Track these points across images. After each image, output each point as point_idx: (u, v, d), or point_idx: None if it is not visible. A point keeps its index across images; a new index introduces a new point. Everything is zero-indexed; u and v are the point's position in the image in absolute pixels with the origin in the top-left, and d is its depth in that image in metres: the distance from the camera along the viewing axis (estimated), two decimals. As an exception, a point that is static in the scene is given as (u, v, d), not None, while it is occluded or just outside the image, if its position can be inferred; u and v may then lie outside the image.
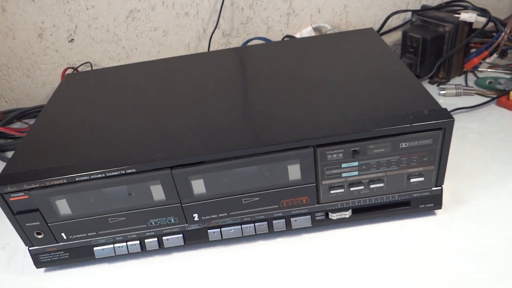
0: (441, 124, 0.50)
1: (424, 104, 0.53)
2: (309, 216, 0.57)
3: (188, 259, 0.58)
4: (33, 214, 0.53)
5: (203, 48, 1.00)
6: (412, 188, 0.56)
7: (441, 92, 0.84)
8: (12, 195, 0.52)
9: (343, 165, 0.53)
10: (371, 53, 0.69)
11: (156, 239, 0.57)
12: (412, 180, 0.54)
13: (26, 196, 0.52)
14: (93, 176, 0.51)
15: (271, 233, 0.58)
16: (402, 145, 0.51)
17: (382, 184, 0.55)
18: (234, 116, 0.59)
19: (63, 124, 0.63)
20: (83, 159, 0.54)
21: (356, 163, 0.53)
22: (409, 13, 0.95)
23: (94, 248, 0.58)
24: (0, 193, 0.52)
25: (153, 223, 0.56)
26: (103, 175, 0.51)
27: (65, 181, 0.51)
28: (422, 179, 0.54)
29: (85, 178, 0.51)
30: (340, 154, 0.52)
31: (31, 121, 0.98)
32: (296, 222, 0.57)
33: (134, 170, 0.51)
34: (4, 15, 0.92)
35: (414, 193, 0.56)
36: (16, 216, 0.53)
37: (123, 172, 0.51)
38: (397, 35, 0.99)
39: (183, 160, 0.51)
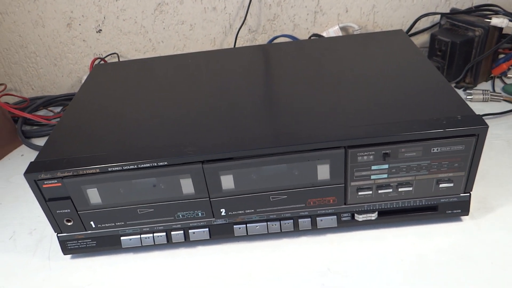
0: (474, 131, 0.50)
1: (457, 109, 0.53)
2: (335, 217, 0.57)
3: (212, 253, 0.59)
4: (64, 202, 0.54)
5: (228, 44, 1.00)
6: (441, 193, 0.55)
7: (468, 97, 0.83)
8: (45, 182, 0.53)
9: (373, 167, 0.53)
10: (401, 55, 0.69)
11: (182, 231, 0.58)
12: (441, 185, 0.54)
13: (59, 184, 0.53)
14: (125, 167, 0.52)
15: (296, 231, 0.59)
16: (433, 150, 0.51)
17: (410, 188, 0.55)
18: (263, 113, 0.59)
19: (93, 113, 0.64)
20: (114, 150, 0.54)
21: (386, 166, 0.53)
22: (438, 16, 0.94)
23: (121, 238, 0.58)
24: (34, 179, 0.53)
25: (180, 216, 0.57)
26: (135, 166, 0.52)
27: (97, 170, 0.52)
28: (451, 184, 0.54)
29: (117, 168, 0.52)
30: (371, 156, 0.52)
31: (57, 109, 1.00)
32: (322, 222, 0.57)
33: (165, 163, 0.52)
34: (35, 4, 0.93)
35: (442, 198, 0.56)
36: (48, 203, 0.54)
37: (155, 164, 0.52)
38: (424, 38, 0.98)
39: (214, 155, 0.52)
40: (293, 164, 0.52)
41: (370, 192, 0.55)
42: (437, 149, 0.51)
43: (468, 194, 0.56)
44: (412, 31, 0.96)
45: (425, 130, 0.50)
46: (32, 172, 0.52)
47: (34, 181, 0.53)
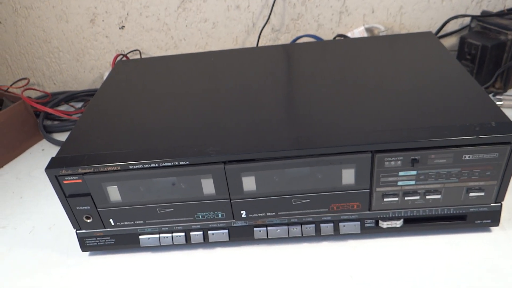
0: (509, 138, 0.48)
1: (490, 115, 0.51)
2: (358, 223, 0.56)
3: (231, 255, 0.58)
4: (84, 198, 0.54)
5: (250, 43, 0.99)
6: (470, 202, 0.53)
7: (498, 102, 0.81)
8: (66, 178, 0.52)
9: (400, 173, 0.51)
10: (431, 58, 0.67)
11: (201, 232, 0.57)
12: (471, 194, 0.52)
13: (80, 180, 0.53)
14: (147, 165, 0.51)
15: (317, 236, 0.57)
16: (465, 157, 0.49)
17: (439, 196, 0.52)
18: (286, 114, 0.58)
19: (115, 110, 0.64)
20: (135, 147, 0.54)
21: (414, 172, 0.51)
22: (467, 18, 0.91)
23: (140, 237, 0.58)
24: (55, 175, 0.52)
25: (200, 216, 0.56)
26: (157, 165, 0.51)
27: (118, 168, 0.51)
28: (482, 194, 0.52)
29: (138, 166, 0.51)
30: (399, 162, 0.50)
31: (78, 104, 1.00)
32: (344, 227, 0.56)
33: (187, 162, 0.51)
34: (60, -1, 0.94)
35: (472, 207, 0.54)
36: (68, 199, 0.54)
37: (176, 163, 0.51)
38: (452, 40, 0.96)
39: (236, 156, 0.51)
40: (317, 167, 0.51)
41: (396, 199, 0.53)
42: (469, 157, 0.49)
43: (499, 204, 0.54)
44: (440, 33, 0.93)
45: (457, 136, 0.48)
46: (53, 168, 0.52)
47: (55, 177, 0.52)
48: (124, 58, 0.97)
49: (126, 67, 0.79)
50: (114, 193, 0.54)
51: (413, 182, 0.52)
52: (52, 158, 0.54)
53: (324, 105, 0.58)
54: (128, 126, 0.59)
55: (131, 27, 0.98)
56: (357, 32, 0.93)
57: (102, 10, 0.95)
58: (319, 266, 0.54)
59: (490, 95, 0.85)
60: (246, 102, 0.61)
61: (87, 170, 0.52)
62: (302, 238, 0.58)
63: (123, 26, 0.98)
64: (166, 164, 0.51)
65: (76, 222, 0.57)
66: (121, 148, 0.54)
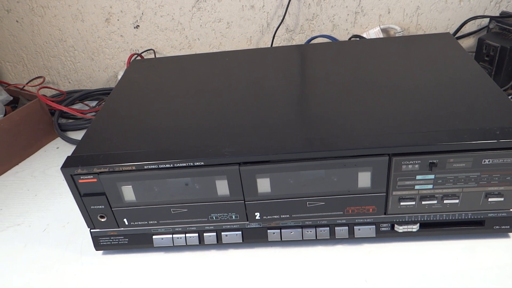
0: (531, 143, 0.47)
1: (511, 118, 0.50)
2: (373, 226, 0.55)
3: (244, 257, 0.57)
4: (99, 198, 0.54)
5: (265, 43, 0.99)
6: (489, 207, 0.52)
7: (517, 105, 0.79)
8: (81, 177, 0.53)
9: (418, 177, 0.50)
10: (449, 59, 0.66)
11: (215, 233, 0.57)
12: (490, 199, 0.51)
13: (95, 180, 0.53)
14: (161, 166, 0.51)
15: (332, 239, 0.57)
16: (485, 161, 0.48)
17: (457, 201, 0.52)
18: (301, 115, 0.57)
19: (130, 109, 0.64)
20: (150, 147, 0.54)
21: (432, 176, 0.50)
22: (486, 19, 0.90)
23: (153, 237, 0.58)
24: (70, 174, 0.52)
25: (214, 217, 0.56)
26: (171, 165, 0.51)
27: (134, 168, 0.51)
28: (501, 199, 0.51)
29: (153, 167, 0.51)
30: (416, 165, 0.49)
31: (92, 103, 1.01)
32: (359, 231, 0.55)
33: (202, 163, 0.51)
34: (76, -2, 0.94)
35: (490, 212, 0.53)
36: (83, 198, 0.54)
37: (191, 164, 0.51)
38: (469, 42, 0.94)
39: (251, 158, 0.50)
40: (333, 170, 0.50)
41: (413, 203, 0.52)
42: (489, 161, 0.48)
43: (519, 209, 0.52)
44: (458, 34, 0.92)
45: (477, 140, 0.47)
46: (69, 167, 0.52)
47: (70, 176, 0.53)
48: (139, 58, 0.97)
49: (141, 67, 0.79)
50: (128, 192, 0.54)
51: (430, 186, 0.51)
52: (68, 157, 0.54)
53: (339, 106, 0.57)
54: (143, 126, 0.59)
55: (146, 26, 0.98)
56: (373, 32, 0.92)
57: (117, 10, 0.96)
58: (333, 269, 0.54)
59: (510, 98, 0.83)
60: (261, 102, 0.61)
61: (102, 170, 0.52)
62: (316, 241, 0.57)
63: (138, 26, 0.98)
64: (181, 164, 0.51)
65: (91, 221, 0.57)
66: (136, 148, 0.54)
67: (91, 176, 0.52)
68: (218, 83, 0.69)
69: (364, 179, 0.51)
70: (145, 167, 0.51)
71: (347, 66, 0.69)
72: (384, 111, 0.55)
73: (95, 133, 0.59)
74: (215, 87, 0.67)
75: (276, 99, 0.61)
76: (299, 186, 0.52)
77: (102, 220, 0.56)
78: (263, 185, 0.52)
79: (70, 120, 0.95)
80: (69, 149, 0.87)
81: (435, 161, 0.48)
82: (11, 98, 0.89)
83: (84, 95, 1.01)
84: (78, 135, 0.90)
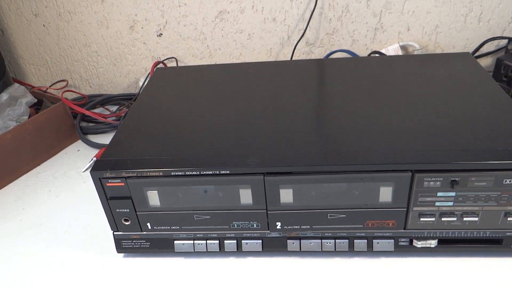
0: (552, 165, 0.47)
1: (532, 140, 0.51)
2: (392, 241, 0.56)
3: (263, 265, 0.58)
4: (125, 201, 0.55)
5: (284, 55, 1.01)
6: (508, 226, 0.53)
7: (534, 126, 0.80)
8: (109, 181, 0.54)
9: (439, 194, 0.51)
10: (469, 79, 0.67)
11: (235, 241, 0.58)
12: (509, 218, 0.52)
13: (122, 184, 0.54)
14: (188, 173, 0.52)
15: (350, 251, 0.58)
16: (506, 181, 0.49)
17: (476, 218, 0.52)
18: (325, 129, 0.58)
19: (156, 116, 0.65)
20: (176, 154, 0.55)
21: (453, 194, 0.51)
22: (504, 40, 0.91)
23: (175, 242, 0.59)
24: (99, 177, 0.54)
25: (235, 225, 0.57)
26: (198, 173, 0.52)
27: (161, 174, 0.53)
28: (521, 219, 0.52)
29: (180, 173, 0.53)
30: (438, 183, 0.50)
31: (113, 108, 1.03)
32: (378, 244, 0.56)
33: (228, 172, 0.52)
34: (102, 5, 0.97)
35: (508, 231, 0.54)
36: (109, 201, 0.56)
37: (217, 172, 0.52)
38: (487, 61, 0.95)
39: (276, 168, 0.52)
40: (355, 183, 0.52)
41: (433, 219, 0.53)
42: (510, 181, 0.49)
43: (537, 230, 0.53)
44: (476, 54, 0.93)
45: (499, 160, 0.48)
46: (98, 170, 0.53)
47: (99, 179, 0.54)
48: (162, 65, 0.99)
49: (164, 74, 0.80)
50: (154, 198, 0.55)
51: (451, 204, 0.52)
52: (97, 161, 0.55)
53: (361, 121, 0.58)
54: (169, 133, 0.61)
55: (169, 35, 1.00)
56: (392, 49, 0.94)
57: (142, 18, 0.98)
58: (350, 282, 0.55)
59: (526, 119, 0.84)
60: (283, 114, 0.62)
61: (130, 174, 0.53)
62: (334, 253, 0.58)
63: (161, 34, 1.00)
64: (207, 172, 0.52)
65: (115, 224, 0.58)
66: (162, 154, 0.55)
67: (119, 180, 0.54)
68: (240, 93, 0.70)
69: (386, 194, 0.52)
70: (172, 173, 0.53)
71: (367, 82, 0.70)
72: (404, 127, 0.56)
73: (123, 138, 0.60)
74: (237, 98, 0.69)
75: (297, 111, 0.63)
76: (321, 198, 0.53)
77: (126, 223, 0.58)
78: (286, 195, 0.53)
79: (91, 124, 0.97)
80: (90, 152, 0.89)
81: (457, 179, 0.49)
82: (36, 100, 0.91)
83: (105, 100, 1.03)
84: (98, 138, 0.92)
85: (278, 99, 0.67)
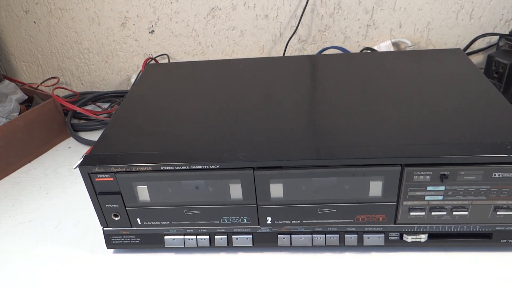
0: (541, 158, 0.48)
1: (521, 134, 0.51)
2: (383, 235, 0.56)
3: (253, 260, 0.58)
4: (114, 196, 0.55)
5: (277, 52, 1.01)
6: (497, 220, 0.53)
7: (524, 122, 0.80)
8: (98, 176, 0.54)
9: (429, 188, 0.51)
10: (460, 75, 0.67)
11: (225, 236, 0.58)
12: (498, 212, 0.52)
13: (111, 179, 0.54)
14: (177, 167, 0.52)
15: (341, 246, 0.58)
16: (495, 175, 0.49)
17: (466, 213, 0.52)
18: (315, 124, 0.58)
19: (146, 111, 0.65)
20: (166, 149, 0.55)
21: (442, 188, 0.51)
22: (495, 36, 0.91)
23: (165, 237, 0.59)
24: (87, 172, 0.54)
25: (225, 220, 0.56)
26: (187, 167, 0.52)
27: (150, 168, 0.53)
28: (510, 213, 0.52)
29: (169, 168, 0.52)
30: (428, 177, 0.50)
31: (104, 105, 1.02)
32: (368, 239, 0.56)
33: (217, 166, 0.52)
34: (93, 2, 0.96)
35: (498, 226, 0.54)
36: (98, 196, 0.55)
37: (207, 167, 0.52)
38: (479, 58, 0.95)
39: (266, 163, 0.51)
40: (345, 178, 0.51)
41: (423, 213, 0.53)
42: (499, 175, 0.49)
43: (527, 224, 0.53)
44: (467, 50, 0.93)
45: (488, 154, 0.48)
46: (87, 165, 0.53)
47: (87, 174, 0.54)
48: (153, 62, 0.99)
49: (156, 70, 0.80)
50: (143, 192, 0.55)
51: (440, 198, 0.52)
52: (86, 156, 0.55)
53: (351, 116, 0.58)
54: (159, 128, 0.60)
55: (161, 31, 1.00)
56: (384, 46, 0.94)
57: (134, 14, 0.97)
58: (341, 277, 0.55)
59: (516, 115, 0.84)
60: (273, 110, 0.62)
61: (119, 169, 0.53)
62: (325, 248, 0.58)
63: (153, 31, 1.00)
64: (196, 167, 0.52)
65: (104, 220, 0.58)
66: (152, 149, 0.55)
67: (108, 175, 0.54)
68: (232, 89, 0.70)
69: (376, 188, 0.52)
70: (161, 168, 0.52)
71: (359, 78, 0.70)
72: (395, 122, 0.56)
73: (112, 133, 0.60)
74: (229, 93, 0.69)
75: (288, 107, 0.63)
76: (311, 193, 0.53)
77: (116, 219, 0.57)
78: (276, 190, 0.53)
79: (82, 121, 0.97)
80: (81, 149, 0.88)
81: (446, 173, 0.50)
82: (26, 97, 0.91)
83: (97, 97, 1.02)
84: (89, 135, 0.91)
85: (270, 95, 0.67)
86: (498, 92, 0.61)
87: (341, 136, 0.54)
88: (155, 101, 0.69)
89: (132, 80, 1.02)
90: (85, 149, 0.87)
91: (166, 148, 0.55)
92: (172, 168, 0.52)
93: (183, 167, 0.52)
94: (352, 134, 0.54)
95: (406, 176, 0.50)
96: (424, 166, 0.49)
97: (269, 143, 0.54)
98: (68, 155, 0.87)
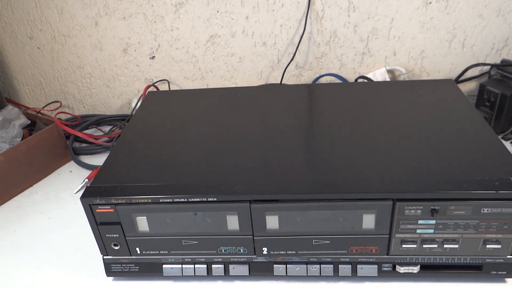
0: (527, 195, 0.49)
1: (509, 169, 0.53)
2: (376, 266, 0.57)
3: (250, 289, 0.60)
4: (114, 227, 0.57)
5: (274, 77, 1.03)
6: (487, 253, 0.55)
7: (516, 151, 0.82)
8: (99, 207, 0.55)
9: (420, 222, 0.53)
10: (451, 107, 0.69)
11: (222, 265, 0.59)
12: (488, 245, 0.54)
13: (112, 210, 0.55)
14: (176, 200, 0.54)
15: (335, 276, 0.59)
16: (484, 210, 0.51)
17: (456, 246, 0.54)
18: (310, 157, 0.60)
19: (146, 142, 0.67)
20: (165, 181, 0.56)
21: (433, 222, 0.52)
22: (487, 66, 0.94)
23: (163, 266, 0.60)
24: (89, 204, 0.55)
25: (222, 250, 0.58)
26: (186, 199, 0.54)
27: (149, 200, 0.54)
28: (499, 246, 0.53)
29: (168, 200, 0.54)
30: (419, 211, 0.52)
31: (105, 128, 1.04)
32: (362, 269, 0.57)
33: (215, 199, 0.53)
34: (96, 29, 0.99)
35: (488, 258, 0.55)
36: (99, 227, 0.57)
37: (204, 199, 0.53)
38: (471, 86, 0.98)
39: (262, 196, 0.53)
40: (339, 211, 0.53)
41: (415, 246, 0.55)
42: (488, 210, 0.51)
43: (516, 256, 0.55)
44: (461, 78, 0.95)
45: (477, 190, 0.50)
46: (88, 197, 0.55)
47: (88, 205, 0.55)
48: (154, 89, 1.01)
49: (156, 98, 0.82)
50: (143, 223, 0.56)
51: (431, 231, 0.53)
52: (87, 187, 0.57)
53: (345, 149, 0.60)
54: (158, 159, 0.62)
55: (161, 57, 1.02)
56: (379, 73, 0.96)
57: (135, 41, 1.00)
58: (336, 306, 0.56)
59: (508, 142, 0.86)
60: (270, 141, 0.64)
61: (119, 201, 0.55)
62: (320, 277, 0.60)
63: (154, 57, 1.02)
64: (194, 199, 0.54)
65: (104, 248, 0.59)
66: (151, 181, 0.57)
67: (109, 207, 0.55)
68: (230, 119, 0.72)
69: (369, 221, 0.53)
70: (161, 200, 0.54)
71: (353, 109, 0.72)
72: (388, 156, 0.58)
73: (113, 164, 0.62)
74: (227, 124, 0.70)
75: (284, 139, 0.64)
76: (306, 225, 0.55)
77: (116, 248, 0.59)
78: (272, 222, 0.55)
79: (84, 145, 0.99)
80: (82, 173, 0.90)
81: (436, 207, 0.51)
82: (29, 122, 0.93)
83: (98, 120, 1.04)
84: (91, 159, 0.93)
85: (267, 126, 0.69)
86: (487, 125, 0.63)
87: (335, 169, 0.56)
88: (154, 131, 0.70)
89: (133, 104, 1.05)
90: (86, 173, 0.88)
91: (165, 179, 0.57)
92: (171, 200, 0.54)
93: (182, 199, 0.54)
94: (346, 168, 0.56)
95: (397, 210, 0.52)
96: (415, 201, 0.51)
97: (265, 176, 0.56)
98: (70, 179, 0.89)
